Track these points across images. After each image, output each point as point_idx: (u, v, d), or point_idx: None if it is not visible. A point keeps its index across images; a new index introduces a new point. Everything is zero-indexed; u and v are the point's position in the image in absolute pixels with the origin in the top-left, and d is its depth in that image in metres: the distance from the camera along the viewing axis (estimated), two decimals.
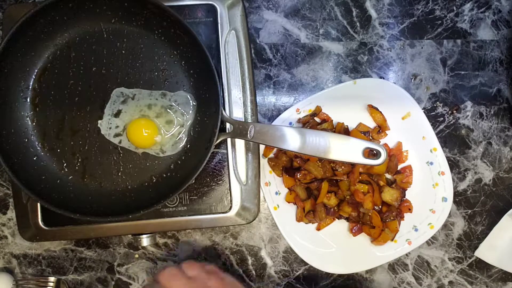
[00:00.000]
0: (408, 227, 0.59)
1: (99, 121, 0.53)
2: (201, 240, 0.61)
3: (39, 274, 0.60)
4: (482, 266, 0.62)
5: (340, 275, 0.61)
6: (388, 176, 0.59)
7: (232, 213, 0.54)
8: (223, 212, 0.54)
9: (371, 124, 0.60)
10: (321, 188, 0.57)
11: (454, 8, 0.63)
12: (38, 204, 0.53)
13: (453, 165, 0.62)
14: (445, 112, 0.62)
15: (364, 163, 0.44)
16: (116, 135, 0.53)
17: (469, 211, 0.62)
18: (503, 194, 0.62)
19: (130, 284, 0.61)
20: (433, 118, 0.62)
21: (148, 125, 0.52)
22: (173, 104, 0.53)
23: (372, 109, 0.59)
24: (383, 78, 0.62)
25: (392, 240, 0.58)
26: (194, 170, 0.48)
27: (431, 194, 0.59)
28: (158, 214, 0.53)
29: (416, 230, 0.59)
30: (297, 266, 0.61)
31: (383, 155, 0.44)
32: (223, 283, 0.46)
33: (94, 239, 0.60)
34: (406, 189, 0.59)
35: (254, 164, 0.54)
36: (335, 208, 0.58)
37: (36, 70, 0.52)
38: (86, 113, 0.53)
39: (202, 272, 0.47)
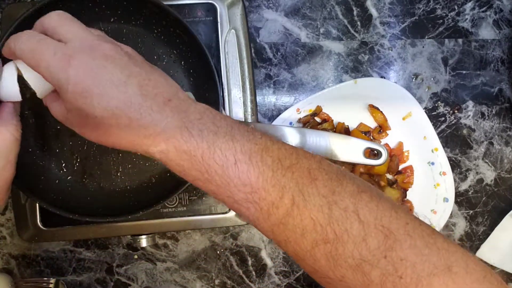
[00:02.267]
0: None
1: None
2: (201, 241, 0.60)
3: (37, 275, 0.60)
4: None
5: None
6: (389, 176, 0.59)
7: (232, 213, 0.53)
8: (223, 213, 0.53)
9: (372, 124, 0.60)
10: None
11: (456, 7, 0.63)
12: (37, 205, 0.52)
13: (454, 165, 0.62)
14: (446, 112, 0.62)
15: (365, 163, 0.44)
16: None
17: (471, 211, 0.62)
18: (505, 194, 0.62)
19: (129, 285, 0.61)
20: (435, 118, 0.62)
21: None
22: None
23: (373, 108, 0.59)
24: (384, 78, 0.62)
25: None
26: None
27: (432, 195, 0.59)
28: (158, 215, 0.53)
29: None
30: (298, 267, 0.61)
31: (384, 155, 0.43)
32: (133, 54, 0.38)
33: (93, 239, 0.60)
34: (407, 190, 0.59)
35: None
36: None
37: None
38: None
39: None
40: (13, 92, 0.37)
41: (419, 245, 0.29)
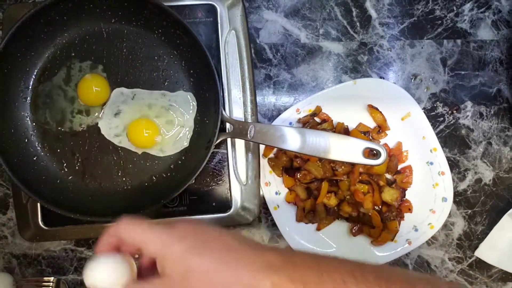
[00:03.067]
0: (408, 227, 0.59)
1: (99, 121, 0.53)
2: None
3: (39, 274, 0.60)
4: (482, 266, 0.62)
5: None
6: (388, 176, 0.59)
7: (232, 213, 0.54)
8: (223, 212, 0.54)
9: (371, 124, 0.60)
10: (321, 188, 0.57)
11: (454, 8, 0.63)
12: (38, 204, 0.53)
13: (453, 165, 0.62)
14: (445, 112, 0.62)
15: (364, 163, 0.44)
16: (116, 135, 0.53)
17: (469, 211, 0.62)
18: (503, 194, 0.62)
19: None
20: (433, 118, 0.62)
21: (149, 125, 0.52)
22: (173, 104, 0.53)
23: (372, 109, 0.59)
24: (383, 78, 0.62)
25: (392, 240, 0.58)
26: (194, 170, 0.48)
27: (431, 194, 0.59)
28: (158, 214, 0.53)
29: (416, 230, 0.59)
30: None
31: (383, 155, 0.44)
32: (191, 222, 0.42)
33: (94, 239, 0.60)
34: (406, 189, 0.59)
35: (254, 164, 0.54)
36: (335, 208, 0.58)
37: (36, 70, 0.52)
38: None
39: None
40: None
41: None
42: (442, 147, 0.60)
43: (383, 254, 0.59)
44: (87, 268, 0.37)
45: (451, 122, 0.62)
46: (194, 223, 0.37)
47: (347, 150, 0.44)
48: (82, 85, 0.52)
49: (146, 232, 0.36)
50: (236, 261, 0.33)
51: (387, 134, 0.59)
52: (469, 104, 0.63)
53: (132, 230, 0.37)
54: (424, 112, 0.59)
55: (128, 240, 0.37)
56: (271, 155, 0.60)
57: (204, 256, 0.34)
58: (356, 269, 0.33)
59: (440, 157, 0.59)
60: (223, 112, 0.49)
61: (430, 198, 0.59)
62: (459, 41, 0.63)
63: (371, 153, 0.44)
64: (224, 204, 0.54)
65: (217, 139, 0.48)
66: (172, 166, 0.53)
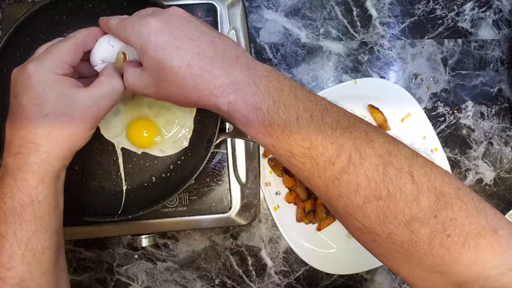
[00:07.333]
0: None
1: None
2: (201, 241, 0.61)
3: None
4: None
5: (340, 276, 0.61)
6: None
7: (232, 213, 0.53)
8: (223, 213, 0.54)
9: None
10: None
11: (455, 7, 0.63)
12: None
13: (454, 165, 0.62)
14: (446, 112, 0.62)
15: None
16: (116, 135, 0.53)
17: None
18: (504, 194, 0.62)
19: (130, 284, 0.61)
20: (434, 118, 0.62)
21: (148, 125, 0.52)
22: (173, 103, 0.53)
23: (373, 109, 0.59)
24: (384, 78, 0.62)
25: None
26: (194, 170, 0.48)
27: None
28: (158, 215, 0.53)
29: None
30: (297, 266, 0.61)
31: None
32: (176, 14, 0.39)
33: (94, 239, 0.60)
34: None
35: (254, 164, 0.54)
36: None
37: None
38: None
39: None
40: (107, 53, 0.42)
41: (469, 208, 0.30)
42: (443, 147, 0.59)
43: None
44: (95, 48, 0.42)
45: (452, 122, 0.62)
46: (178, 18, 0.37)
47: None
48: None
49: (126, 27, 0.38)
50: (210, 67, 0.34)
51: None
52: (470, 104, 0.62)
53: (114, 26, 0.40)
54: (425, 112, 0.59)
55: (114, 35, 0.40)
56: (271, 155, 0.60)
57: (176, 57, 0.34)
58: (317, 109, 0.33)
59: (441, 157, 0.59)
60: None
61: None
62: (460, 41, 0.63)
63: None
64: (224, 204, 0.54)
65: (217, 139, 0.48)
66: (172, 166, 0.53)
